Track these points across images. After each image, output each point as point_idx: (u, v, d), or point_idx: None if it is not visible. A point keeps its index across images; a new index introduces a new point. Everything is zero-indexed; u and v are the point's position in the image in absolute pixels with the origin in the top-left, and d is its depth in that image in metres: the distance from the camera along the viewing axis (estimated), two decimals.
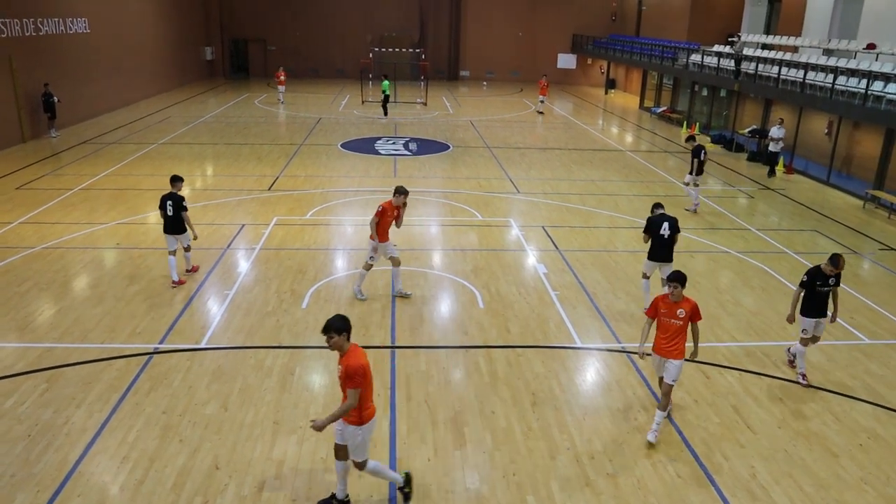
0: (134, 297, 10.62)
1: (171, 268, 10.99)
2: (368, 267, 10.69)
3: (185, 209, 10.76)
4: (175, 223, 10.75)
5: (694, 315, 7.43)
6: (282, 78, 32.09)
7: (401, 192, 10.49)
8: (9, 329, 9.54)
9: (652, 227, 10.27)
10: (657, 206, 10.64)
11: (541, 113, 31.50)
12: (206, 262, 12.14)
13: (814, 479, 6.93)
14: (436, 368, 8.81)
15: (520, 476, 6.83)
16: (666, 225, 10.20)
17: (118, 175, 18.04)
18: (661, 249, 10.30)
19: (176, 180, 10.92)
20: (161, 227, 11.19)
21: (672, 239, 10.25)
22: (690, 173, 16.27)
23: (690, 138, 16.60)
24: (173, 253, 11.01)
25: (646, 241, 10.52)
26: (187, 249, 11.29)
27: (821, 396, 8.47)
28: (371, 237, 10.46)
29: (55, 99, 22.36)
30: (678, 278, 7.35)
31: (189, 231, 10.97)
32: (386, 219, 10.34)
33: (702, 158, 15.96)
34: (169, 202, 10.66)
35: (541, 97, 31.77)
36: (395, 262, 10.76)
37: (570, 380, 8.66)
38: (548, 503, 6.47)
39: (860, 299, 11.46)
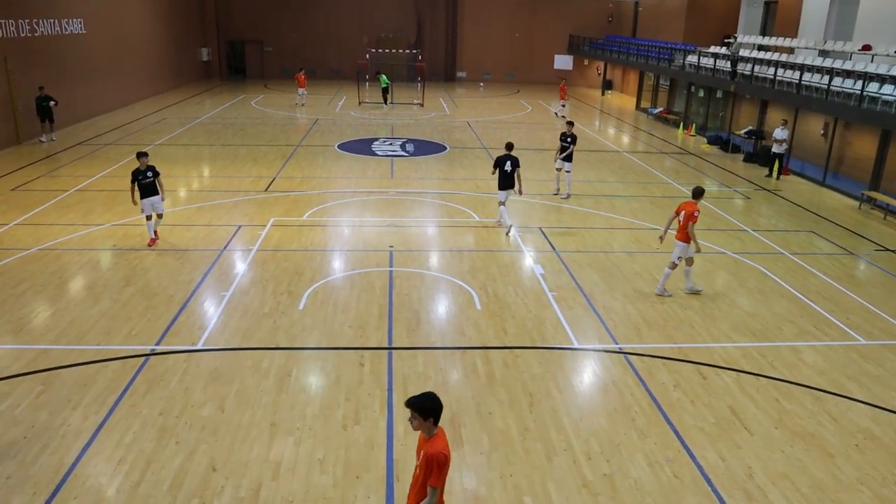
0: (130, 298, 10.61)
1: (150, 227, 12.97)
2: (674, 266, 11.28)
3: (159, 174, 12.99)
4: (153, 188, 12.83)
5: (429, 471, 4.63)
6: (302, 80, 31.54)
7: (700, 192, 11.16)
8: (4, 331, 9.51)
9: (498, 163, 13.92)
10: (507, 146, 14.10)
11: (563, 117, 30.36)
12: (202, 263, 12.13)
13: (810, 480, 6.94)
14: (433, 369, 8.81)
15: (517, 477, 6.83)
16: (509, 162, 13.81)
17: (114, 176, 18.00)
18: (505, 180, 13.88)
19: (145, 155, 12.91)
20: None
21: (513, 172, 13.82)
22: (568, 160, 16.89)
23: (570, 123, 17.45)
24: (150, 217, 12.91)
25: (493, 173, 14.08)
26: (160, 216, 13.12)
27: (817, 397, 8.49)
28: (687, 240, 10.93)
29: (52, 102, 21.58)
30: (414, 404, 4.68)
31: (161, 193, 12.98)
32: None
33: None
34: (149, 172, 12.72)
35: (561, 102, 31.03)
36: (689, 262, 11.32)
37: (567, 381, 8.67)
38: None
39: (856, 300, 11.49)
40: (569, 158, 16.91)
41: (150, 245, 12.82)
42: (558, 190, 17.51)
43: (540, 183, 18.64)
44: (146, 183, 12.70)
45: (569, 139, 16.86)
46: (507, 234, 14.02)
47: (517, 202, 16.72)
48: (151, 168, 12.81)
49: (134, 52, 31.04)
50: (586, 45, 42.57)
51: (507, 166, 13.82)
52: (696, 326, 10.29)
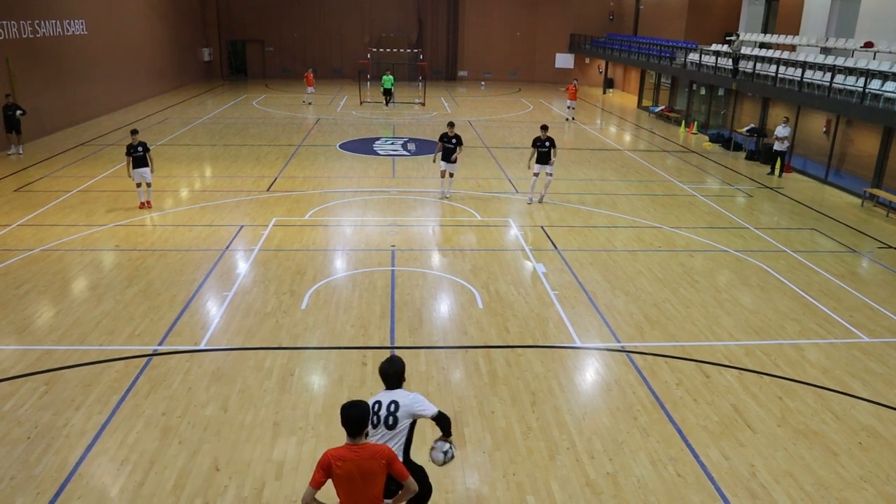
0: (133, 298, 10.62)
1: (141, 193, 15.16)
2: None
3: (149, 150, 15.00)
4: (143, 161, 14.77)
5: None
6: (311, 79, 31.94)
7: None
8: (8, 331, 9.52)
9: (442, 140, 16.09)
10: (450, 124, 16.17)
11: (571, 119, 29.67)
12: (204, 263, 12.14)
13: (814, 478, 6.93)
14: (435, 369, 8.82)
15: (519, 476, 6.83)
16: (455, 140, 15.96)
17: (117, 177, 18.02)
18: (447, 154, 16.02)
19: (136, 132, 15.09)
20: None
21: (454, 148, 15.95)
22: (547, 162, 15.92)
23: (545, 126, 16.32)
24: (139, 185, 14.99)
25: (438, 149, 16.17)
26: (149, 185, 15.11)
27: (820, 395, 8.48)
28: None
29: (20, 112, 19.95)
30: None
31: (150, 165, 14.93)
32: None
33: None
34: (139, 147, 14.70)
35: (569, 102, 29.79)
36: None
37: (569, 379, 8.67)
38: (548, 503, 6.48)
39: (859, 297, 11.48)
40: (547, 161, 15.87)
41: (140, 207, 15.06)
42: (531, 199, 16.39)
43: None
44: (137, 156, 14.70)
45: (547, 144, 15.81)
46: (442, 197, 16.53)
47: (519, 200, 16.72)
48: (142, 143, 14.83)
49: (135, 52, 31.08)
50: (587, 43, 42.54)
51: (450, 143, 16.04)
52: (698, 325, 10.28)
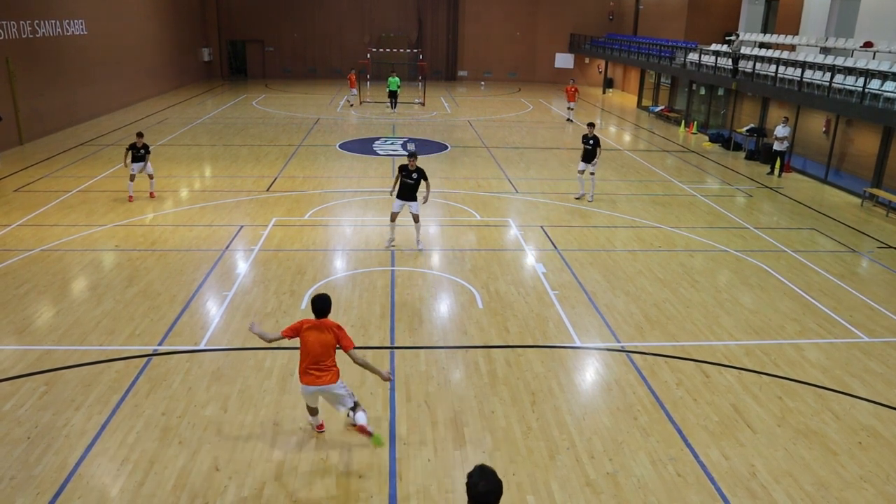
0: (133, 299, 10.62)
1: (130, 188, 15.75)
2: None
3: (149, 153, 15.77)
4: (142, 160, 15.59)
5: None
6: (353, 80, 31.77)
7: None
8: (8, 331, 9.53)
9: (400, 172, 12.59)
10: (410, 155, 12.66)
11: (570, 121, 29.45)
12: (204, 263, 12.14)
13: (814, 478, 6.93)
14: (435, 369, 8.82)
15: (520, 476, 6.83)
16: (416, 174, 12.50)
17: (116, 177, 18.01)
18: (405, 191, 12.54)
19: (142, 135, 15.78)
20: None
21: (415, 185, 12.49)
22: (589, 161, 16.38)
23: (592, 124, 16.64)
24: (133, 178, 15.60)
25: (395, 186, 12.82)
26: (151, 177, 15.92)
27: (820, 394, 8.48)
28: None
29: None
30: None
31: (149, 165, 15.77)
32: None
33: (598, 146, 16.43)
34: (142, 150, 15.51)
35: (570, 104, 29.56)
36: None
37: (569, 379, 8.67)
38: (548, 503, 6.48)
39: (859, 297, 11.48)
40: (591, 159, 16.28)
41: (129, 200, 15.68)
42: (582, 195, 16.83)
43: (542, 182, 18.63)
44: (138, 156, 15.55)
45: (591, 141, 16.22)
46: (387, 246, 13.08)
47: (519, 200, 16.72)
48: (145, 146, 15.64)
49: (135, 52, 31.06)
50: (587, 43, 42.53)
51: (410, 178, 12.59)
52: (698, 324, 10.28)
